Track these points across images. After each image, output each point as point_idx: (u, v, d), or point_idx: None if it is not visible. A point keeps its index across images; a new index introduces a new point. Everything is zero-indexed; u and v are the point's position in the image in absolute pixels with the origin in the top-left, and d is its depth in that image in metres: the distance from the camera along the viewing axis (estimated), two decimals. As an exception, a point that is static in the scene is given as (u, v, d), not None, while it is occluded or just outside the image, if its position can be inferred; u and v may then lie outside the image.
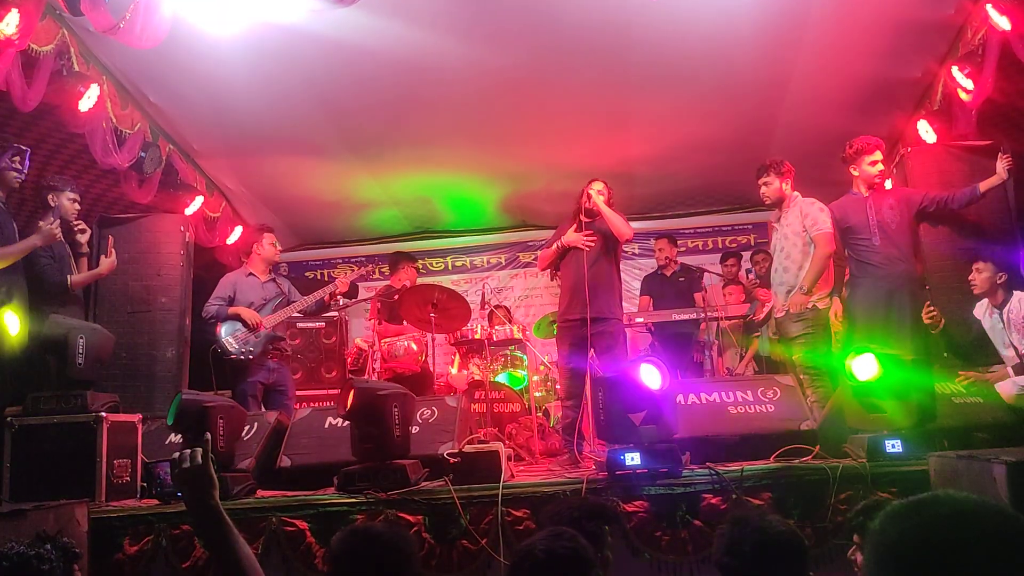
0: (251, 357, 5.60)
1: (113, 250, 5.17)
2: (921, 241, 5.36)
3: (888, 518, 1.09)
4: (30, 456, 3.91)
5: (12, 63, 4.17)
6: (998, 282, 4.80)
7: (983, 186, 5.01)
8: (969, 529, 1.01)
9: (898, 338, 4.67)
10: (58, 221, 4.67)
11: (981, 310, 4.98)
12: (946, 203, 5.11)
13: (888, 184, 5.77)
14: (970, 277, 4.91)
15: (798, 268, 4.99)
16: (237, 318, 5.64)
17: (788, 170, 5.11)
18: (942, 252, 5.39)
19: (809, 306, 4.91)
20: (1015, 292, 4.78)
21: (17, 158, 4.61)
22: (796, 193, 5.16)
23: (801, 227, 5.01)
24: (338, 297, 6.30)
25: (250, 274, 5.95)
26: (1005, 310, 4.78)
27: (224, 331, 5.61)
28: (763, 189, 5.15)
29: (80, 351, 4.19)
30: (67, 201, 4.97)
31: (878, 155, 5.07)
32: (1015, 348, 4.69)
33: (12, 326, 4.23)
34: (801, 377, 4.80)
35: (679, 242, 7.70)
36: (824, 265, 4.97)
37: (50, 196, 4.91)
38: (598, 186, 5.22)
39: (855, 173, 5.12)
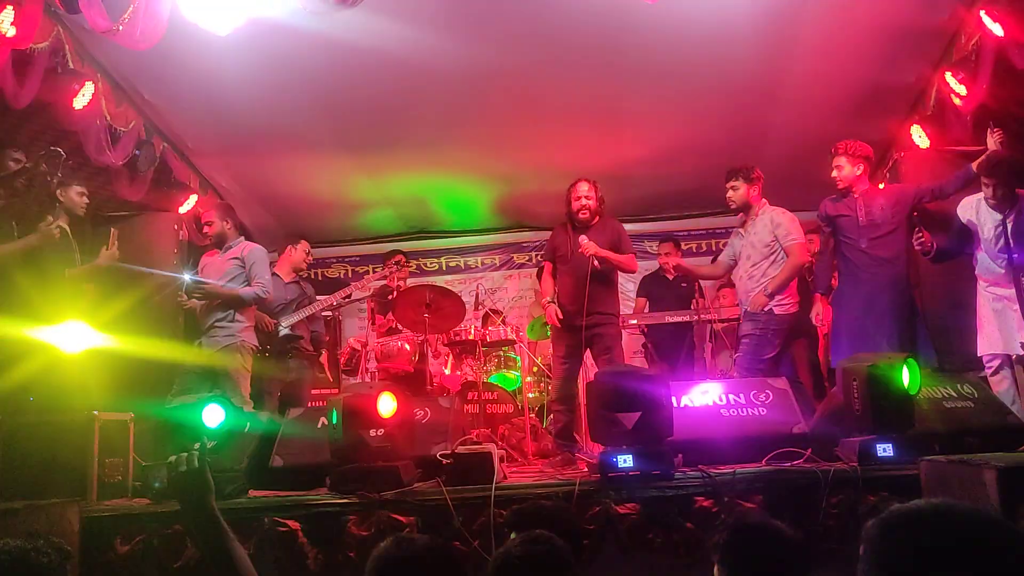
0: (267, 355, 5.62)
1: (116, 243, 5.15)
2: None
3: (885, 527, 1.09)
4: (21, 455, 3.90)
5: (5, 60, 4.16)
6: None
7: (976, 165, 4.85)
8: (965, 541, 1.01)
9: (879, 341, 4.67)
10: (58, 221, 4.66)
11: (969, 208, 4.71)
12: (942, 190, 5.00)
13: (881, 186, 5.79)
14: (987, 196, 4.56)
15: (763, 276, 4.99)
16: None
17: (758, 176, 5.12)
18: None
19: (766, 308, 4.89)
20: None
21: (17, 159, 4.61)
22: (765, 201, 5.16)
23: (771, 236, 4.99)
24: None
25: (274, 275, 5.99)
26: (1017, 211, 4.45)
27: None
28: (730, 193, 5.17)
29: None
30: (75, 195, 4.97)
31: (839, 160, 5.05)
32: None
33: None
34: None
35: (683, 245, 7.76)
36: (795, 274, 4.96)
37: (58, 191, 4.90)
38: (584, 188, 5.19)
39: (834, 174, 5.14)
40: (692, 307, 6.56)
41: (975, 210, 4.73)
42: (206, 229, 5.45)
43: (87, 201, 5.07)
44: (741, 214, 5.27)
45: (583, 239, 5.04)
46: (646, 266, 8.00)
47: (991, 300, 4.64)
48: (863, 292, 4.93)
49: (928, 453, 3.42)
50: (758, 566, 2.08)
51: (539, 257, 8.22)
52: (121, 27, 4.11)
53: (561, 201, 5.42)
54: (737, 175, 5.13)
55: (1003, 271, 4.58)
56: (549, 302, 5.33)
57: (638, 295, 7.28)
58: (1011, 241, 4.51)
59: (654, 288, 7.19)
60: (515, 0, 4.94)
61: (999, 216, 4.56)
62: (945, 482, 3.05)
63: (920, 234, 4.67)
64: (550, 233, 5.62)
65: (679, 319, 6.52)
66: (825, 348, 6.13)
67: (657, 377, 3.77)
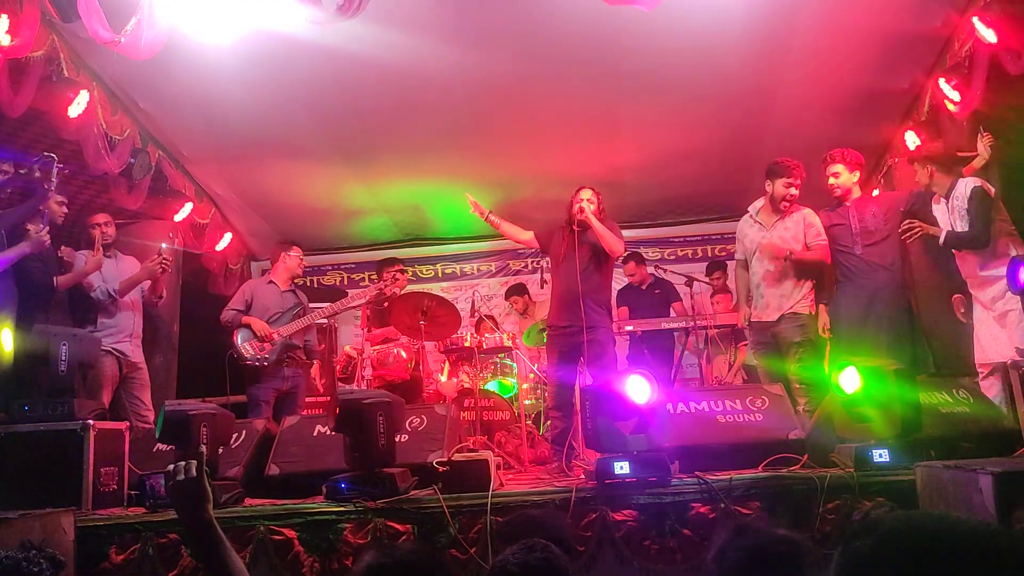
0: (266, 364, 5.61)
1: (101, 248, 5.14)
2: (909, 249, 5.35)
3: (849, 542, 1.10)
4: (16, 464, 3.88)
5: (1, 68, 4.17)
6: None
7: (967, 170, 4.85)
8: (927, 554, 1.01)
9: (877, 347, 4.67)
10: (47, 227, 4.66)
11: (936, 208, 4.87)
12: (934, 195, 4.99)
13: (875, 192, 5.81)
14: (916, 178, 4.80)
15: (795, 274, 5.02)
16: (249, 327, 5.66)
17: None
18: (928, 260, 5.41)
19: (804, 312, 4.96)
20: (960, 180, 4.68)
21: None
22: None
23: (803, 235, 5.04)
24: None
25: (270, 282, 6.00)
26: (951, 197, 4.68)
27: (240, 338, 5.64)
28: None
29: (63, 358, 4.17)
30: (55, 204, 4.96)
31: (836, 168, 5.05)
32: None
33: (5, 342, 4.21)
34: (796, 386, 4.80)
35: (663, 250, 8.39)
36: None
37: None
38: (587, 194, 5.21)
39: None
40: (680, 313, 6.62)
41: (940, 212, 4.81)
42: (107, 230, 5.44)
43: (66, 211, 5.08)
44: (765, 209, 5.24)
45: (581, 194, 5.21)
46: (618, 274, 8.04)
47: (978, 306, 4.68)
48: (860, 299, 4.94)
49: (924, 458, 3.42)
50: (755, 572, 2.07)
51: (535, 264, 8.26)
52: (123, 39, 4.11)
53: (557, 207, 5.44)
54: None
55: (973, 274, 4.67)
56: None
57: (618, 305, 7.31)
58: (952, 224, 4.62)
59: (630, 298, 7.45)
60: (511, 10, 4.96)
61: (944, 208, 4.70)
62: (941, 488, 3.06)
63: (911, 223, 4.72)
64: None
65: (674, 325, 6.54)
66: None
67: (652, 386, 3.76)
